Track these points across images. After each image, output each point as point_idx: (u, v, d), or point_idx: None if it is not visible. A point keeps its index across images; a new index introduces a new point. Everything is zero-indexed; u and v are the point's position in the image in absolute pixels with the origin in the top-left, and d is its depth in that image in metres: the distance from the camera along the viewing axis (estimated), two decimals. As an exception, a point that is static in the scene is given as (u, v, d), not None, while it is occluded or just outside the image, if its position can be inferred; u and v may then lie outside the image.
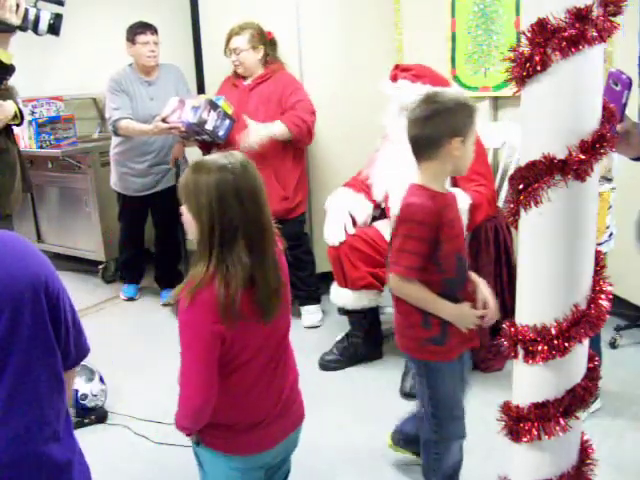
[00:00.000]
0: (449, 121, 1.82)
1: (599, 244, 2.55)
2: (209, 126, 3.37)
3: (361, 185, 3.18)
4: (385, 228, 3.16)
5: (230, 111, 3.44)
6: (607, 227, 2.59)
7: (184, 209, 1.55)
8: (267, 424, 1.61)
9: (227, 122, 3.42)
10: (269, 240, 1.56)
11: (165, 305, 4.08)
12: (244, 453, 1.60)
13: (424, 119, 1.85)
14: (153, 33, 3.75)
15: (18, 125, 2.83)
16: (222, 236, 1.48)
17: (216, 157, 1.57)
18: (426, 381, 1.96)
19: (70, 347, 1.37)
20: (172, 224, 3.98)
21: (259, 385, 1.59)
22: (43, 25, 2.30)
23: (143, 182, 3.93)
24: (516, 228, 1.21)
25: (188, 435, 1.63)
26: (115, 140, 3.92)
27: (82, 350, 1.43)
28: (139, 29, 3.73)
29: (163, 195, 3.95)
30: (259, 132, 3.35)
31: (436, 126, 1.83)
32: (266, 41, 3.56)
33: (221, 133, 3.43)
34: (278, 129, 3.38)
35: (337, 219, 3.09)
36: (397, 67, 3.07)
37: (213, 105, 3.37)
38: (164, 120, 3.50)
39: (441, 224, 1.86)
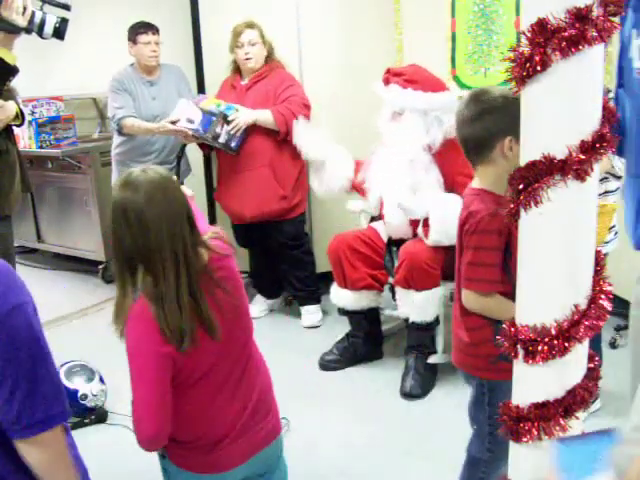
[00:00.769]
0: (498, 120, 1.68)
1: (606, 242, 2.55)
2: (222, 139, 3.39)
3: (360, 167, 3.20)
4: (383, 229, 3.16)
5: None
6: (613, 226, 2.59)
7: None
8: (230, 441, 1.54)
9: (239, 134, 3.43)
10: (172, 266, 1.42)
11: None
12: (208, 472, 1.55)
13: (472, 120, 1.73)
14: (155, 33, 3.75)
15: (19, 126, 2.83)
16: (122, 259, 1.45)
17: (129, 174, 1.48)
18: (488, 399, 1.82)
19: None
20: None
21: (217, 401, 1.53)
22: (49, 29, 2.30)
23: None
24: (516, 228, 1.21)
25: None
26: (117, 140, 3.91)
27: (39, 414, 1.18)
28: (141, 29, 3.72)
29: None
30: (245, 115, 3.38)
31: (485, 126, 1.70)
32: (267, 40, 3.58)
33: (233, 144, 3.44)
34: (262, 114, 3.41)
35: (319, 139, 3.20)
36: (389, 71, 3.06)
37: (225, 118, 3.37)
38: (173, 123, 3.49)
39: (511, 230, 1.67)
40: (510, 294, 1.64)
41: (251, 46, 3.48)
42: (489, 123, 1.70)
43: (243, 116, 3.40)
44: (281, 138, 3.45)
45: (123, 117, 3.69)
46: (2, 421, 1.17)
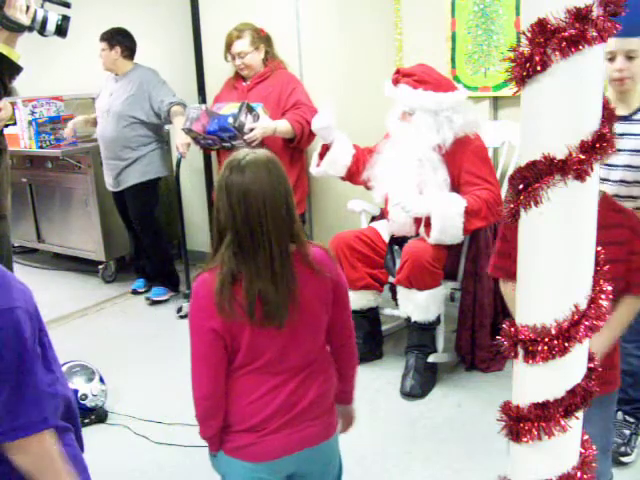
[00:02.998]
0: None
1: None
2: (247, 130, 3.31)
3: (362, 151, 3.19)
4: (383, 229, 3.16)
5: (267, 115, 3.43)
6: None
7: None
8: (272, 430, 1.53)
9: (255, 144, 3.39)
10: (262, 244, 1.46)
11: (152, 303, 4.11)
12: (251, 459, 1.54)
13: None
14: (101, 41, 3.90)
15: (7, 126, 2.85)
16: (217, 232, 1.49)
17: (238, 153, 1.52)
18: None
19: None
20: (143, 223, 4.01)
21: (263, 389, 1.53)
22: (51, 26, 2.31)
23: (109, 180, 4.06)
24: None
25: (212, 449, 1.58)
26: None
27: (19, 420, 1.17)
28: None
29: (129, 194, 4.00)
30: (265, 124, 3.36)
31: None
32: (263, 39, 3.57)
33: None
34: (282, 125, 3.41)
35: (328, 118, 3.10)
36: (399, 71, 3.05)
37: (249, 108, 3.33)
38: (190, 132, 3.48)
39: None
40: None
41: (241, 58, 3.50)
42: None
43: (262, 126, 3.34)
44: (294, 145, 3.47)
45: None
46: None
